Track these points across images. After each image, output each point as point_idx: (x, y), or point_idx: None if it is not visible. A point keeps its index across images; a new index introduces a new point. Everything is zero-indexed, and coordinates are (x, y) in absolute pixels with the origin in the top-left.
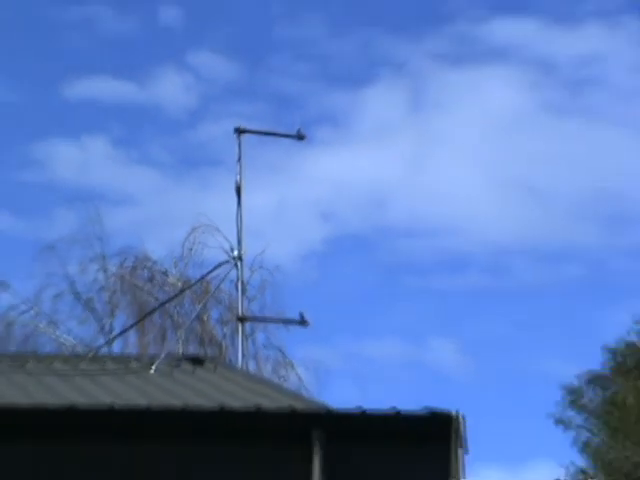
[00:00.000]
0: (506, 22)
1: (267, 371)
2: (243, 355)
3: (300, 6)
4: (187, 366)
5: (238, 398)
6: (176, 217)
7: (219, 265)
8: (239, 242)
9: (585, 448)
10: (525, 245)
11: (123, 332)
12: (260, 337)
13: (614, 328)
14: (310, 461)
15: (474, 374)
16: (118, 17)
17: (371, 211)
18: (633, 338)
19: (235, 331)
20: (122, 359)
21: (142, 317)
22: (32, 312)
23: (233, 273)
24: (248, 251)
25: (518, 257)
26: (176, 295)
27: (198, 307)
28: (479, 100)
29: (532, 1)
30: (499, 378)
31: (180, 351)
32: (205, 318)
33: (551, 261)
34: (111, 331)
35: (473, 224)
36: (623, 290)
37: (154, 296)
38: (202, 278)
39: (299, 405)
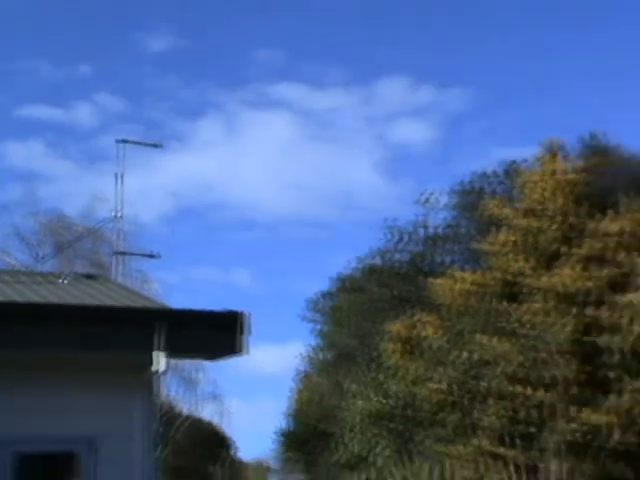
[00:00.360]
0: (284, 85)
1: (135, 286)
2: (121, 275)
3: (165, 68)
4: (86, 281)
5: (115, 300)
6: (83, 191)
7: (108, 221)
8: (120, 208)
9: (320, 334)
10: (291, 217)
11: (48, 259)
12: (132, 265)
13: (339, 266)
14: (152, 339)
15: (262, 290)
16: (52, 67)
17: (201, 192)
18: (348, 272)
19: (116, 261)
20: (46, 275)
21: (60, 250)
22: None
23: (116, 226)
24: (125, 213)
25: (287, 223)
26: (81, 238)
27: (94, 245)
28: (269, 130)
29: (300, 72)
30: (277, 294)
31: (83, 271)
32: (99, 252)
33: (305, 226)
34: (41, 258)
35: (262, 203)
36: (346, 245)
37: (68, 238)
38: (97, 228)
39: (151, 305)
